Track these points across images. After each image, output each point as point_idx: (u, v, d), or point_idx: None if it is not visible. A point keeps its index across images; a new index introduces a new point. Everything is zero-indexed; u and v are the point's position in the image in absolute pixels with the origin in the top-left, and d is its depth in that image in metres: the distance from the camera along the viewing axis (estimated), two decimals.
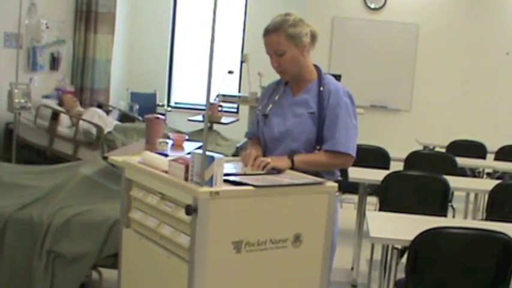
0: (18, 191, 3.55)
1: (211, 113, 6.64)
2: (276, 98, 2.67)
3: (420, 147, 6.40)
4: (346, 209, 5.53)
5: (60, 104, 6.52)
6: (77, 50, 7.48)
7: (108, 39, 7.72)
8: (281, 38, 2.50)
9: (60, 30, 7.06)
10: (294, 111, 2.58)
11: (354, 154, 2.53)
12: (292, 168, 2.44)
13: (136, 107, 8.33)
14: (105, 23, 7.62)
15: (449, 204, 4.43)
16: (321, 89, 2.56)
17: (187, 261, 2.01)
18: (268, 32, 2.54)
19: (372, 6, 8.48)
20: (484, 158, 6.10)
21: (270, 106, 2.66)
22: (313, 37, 2.59)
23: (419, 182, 4.00)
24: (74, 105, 6.53)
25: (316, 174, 2.40)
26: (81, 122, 6.04)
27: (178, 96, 9.27)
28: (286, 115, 2.59)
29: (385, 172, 4.08)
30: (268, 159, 2.42)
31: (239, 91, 8.62)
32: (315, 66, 2.66)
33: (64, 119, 6.19)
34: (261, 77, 6.18)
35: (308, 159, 2.49)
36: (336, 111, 2.51)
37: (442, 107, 8.45)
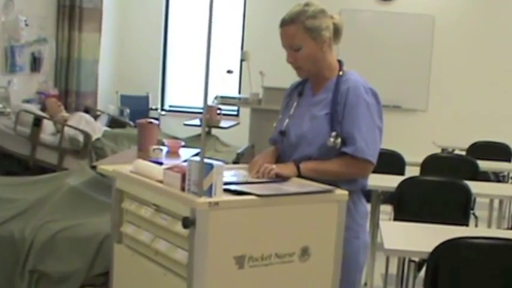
0: None
1: (209, 116, 6.66)
2: (291, 111, 2.61)
3: (438, 150, 6.40)
4: None
5: (43, 108, 6.53)
6: (61, 50, 7.50)
7: (94, 37, 7.74)
8: (298, 31, 2.44)
9: (41, 27, 7.08)
10: (311, 113, 2.52)
11: (373, 160, 2.46)
12: (299, 176, 2.43)
13: (127, 111, 8.35)
14: (91, 19, 7.64)
15: (471, 212, 4.43)
16: (339, 86, 2.49)
17: (185, 278, 2.01)
18: (284, 23, 2.47)
19: None
20: (508, 160, 6.10)
21: (287, 121, 2.61)
22: (337, 31, 2.54)
23: (438, 188, 4.01)
24: (58, 110, 6.54)
25: (333, 183, 2.36)
26: (66, 128, 6.05)
27: (172, 98, 9.29)
28: (304, 117, 2.54)
29: (400, 178, 4.08)
30: (273, 166, 2.41)
31: (239, 92, 8.64)
32: (339, 61, 2.60)
33: (47, 125, 6.20)
34: (262, 77, 6.19)
35: (316, 168, 2.44)
36: (354, 111, 2.45)
37: (462, 105, 8.44)
